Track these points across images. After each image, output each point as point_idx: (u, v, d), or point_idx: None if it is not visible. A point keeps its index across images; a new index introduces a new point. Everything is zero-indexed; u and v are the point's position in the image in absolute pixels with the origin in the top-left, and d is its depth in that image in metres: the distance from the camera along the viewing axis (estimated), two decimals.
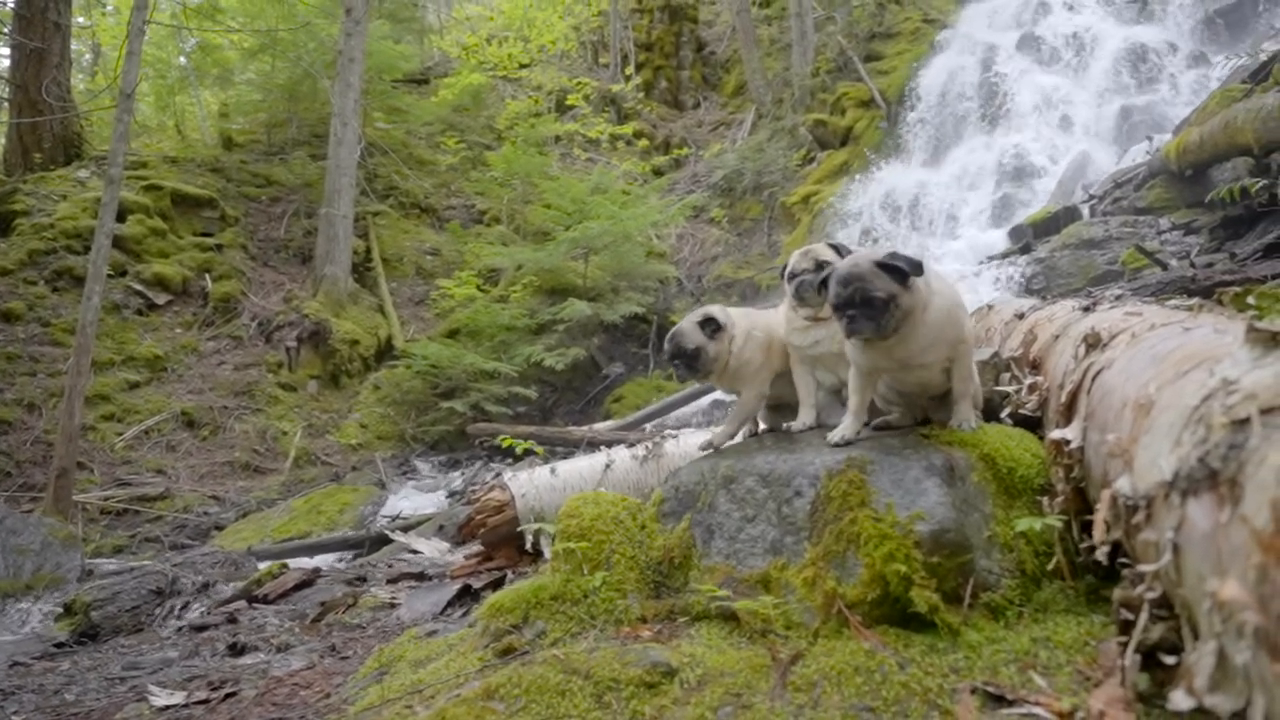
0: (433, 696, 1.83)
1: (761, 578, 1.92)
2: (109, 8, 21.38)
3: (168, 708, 2.46)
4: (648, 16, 22.28)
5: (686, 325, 2.47)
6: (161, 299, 11.74)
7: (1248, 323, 1.07)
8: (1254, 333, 1.04)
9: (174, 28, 15.58)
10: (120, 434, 9.51)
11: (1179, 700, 1.00)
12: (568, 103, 19.48)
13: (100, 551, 7.23)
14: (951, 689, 1.45)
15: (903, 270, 1.90)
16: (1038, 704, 1.36)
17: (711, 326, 2.43)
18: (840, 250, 2.49)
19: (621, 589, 2.11)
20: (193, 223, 13.07)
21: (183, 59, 17.82)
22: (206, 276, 12.33)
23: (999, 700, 1.40)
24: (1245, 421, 0.93)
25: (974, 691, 1.43)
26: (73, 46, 15.28)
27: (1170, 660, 1.18)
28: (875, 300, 1.87)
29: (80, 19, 19.23)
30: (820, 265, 2.35)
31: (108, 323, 10.52)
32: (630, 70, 21.09)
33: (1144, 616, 1.22)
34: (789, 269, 2.47)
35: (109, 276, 9.34)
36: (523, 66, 20.89)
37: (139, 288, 11.58)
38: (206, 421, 10.20)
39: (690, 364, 2.45)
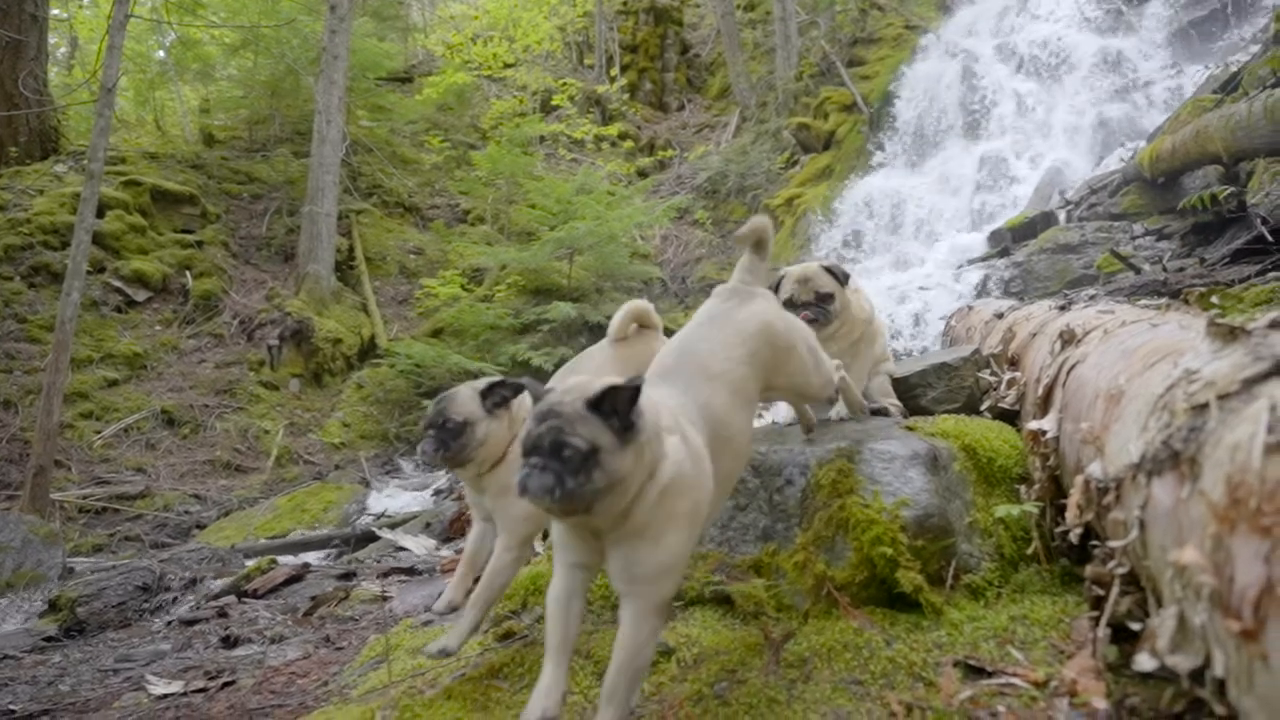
0: (436, 678, 1.88)
1: (753, 563, 2.00)
2: (86, 0, 21.05)
3: (166, 696, 2.48)
4: (632, 18, 22.37)
5: (464, 390, 1.92)
6: (141, 296, 11.60)
7: (1208, 318, 1.16)
8: (1214, 327, 1.12)
9: (154, 22, 15.41)
10: (99, 432, 9.39)
11: (1143, 662, 1.08)
12: (553, 103, 19.50)
13: (79, 550, 7.14)
14: (935, 663, 1.54)
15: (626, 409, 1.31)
16: (1015, 675, 1.44)
17: (494, 398, 1.87)
18: (836, 273, 2.45)
19: None
20: (173, 219, 12.92)
21: (162, 53, 17.61)
22: (187, 274, 12.19)
23: (979, 672, 1.49)
24: (1205, 407, 1.01)
25: (956, 665, 1.52)
26: (49, 39, 15.06)
27: (1137, 627, 1.27)
28: (568, 451, 1.29)
29: (57, 11, 18.92)
30: (821, 298, 2.34)
31: (86, 320, 10.39)
32: (615, 72, 21.15)
33: (1115, 590, 1.31)
34: (787, 295, 2.38)
35: (87, 273, 9.23)
36: (507, 66, 20.87)
37: (118, 284, 11.43)
38: (187, 420, 10.10)
39: (446, 439, 1.84)
